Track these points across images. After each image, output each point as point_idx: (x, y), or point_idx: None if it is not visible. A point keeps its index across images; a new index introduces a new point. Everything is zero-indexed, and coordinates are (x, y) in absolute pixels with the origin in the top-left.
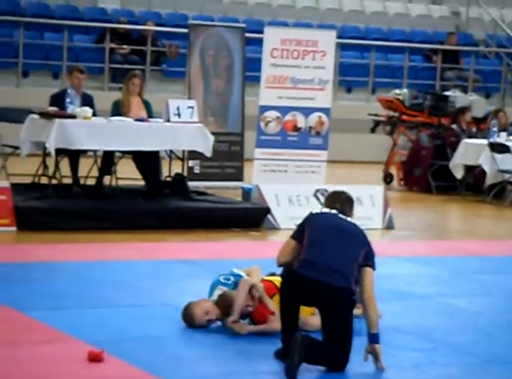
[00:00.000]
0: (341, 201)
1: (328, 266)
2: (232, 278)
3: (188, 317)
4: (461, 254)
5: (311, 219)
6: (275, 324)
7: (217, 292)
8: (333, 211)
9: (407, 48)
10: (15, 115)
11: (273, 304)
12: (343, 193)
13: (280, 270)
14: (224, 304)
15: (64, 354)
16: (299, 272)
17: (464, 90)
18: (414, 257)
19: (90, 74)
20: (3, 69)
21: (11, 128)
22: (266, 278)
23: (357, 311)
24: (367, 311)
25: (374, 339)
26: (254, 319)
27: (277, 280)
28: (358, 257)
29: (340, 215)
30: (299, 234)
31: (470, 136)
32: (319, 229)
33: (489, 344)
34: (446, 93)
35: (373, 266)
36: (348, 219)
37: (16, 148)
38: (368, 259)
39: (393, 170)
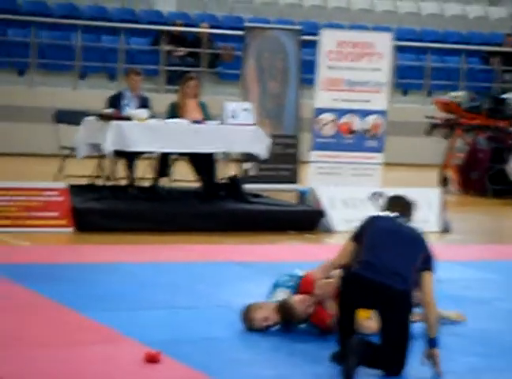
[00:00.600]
0: (401, 205)
1: (387, 268)
2: (294, 279)
3: (247, 321)
4: None
5: (371, 221)
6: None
7: (278, 293)
8: (393, 214)
9: (464, 50)
10: (72, 117)
11: (333, 305)
12: (403, 197)
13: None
14: (285, 311)
15: (121, 355)
16: (358, 273)
17: None
18: (470, 261)
19: (146, 76)
20: (61, 71)
21: (69, 130)
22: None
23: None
24: (427, 315)
25: (432, 343)
26: (312, 322)
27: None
28: (417, 260)
29: (400, 219)
30: (357, 236)
31: None
32: (379, 231)
33: None
34: (505, 96)
35: (432, 270)
36: (408, 223)
37: (74, 149)
38: (427, 263)
39: (450, 174)
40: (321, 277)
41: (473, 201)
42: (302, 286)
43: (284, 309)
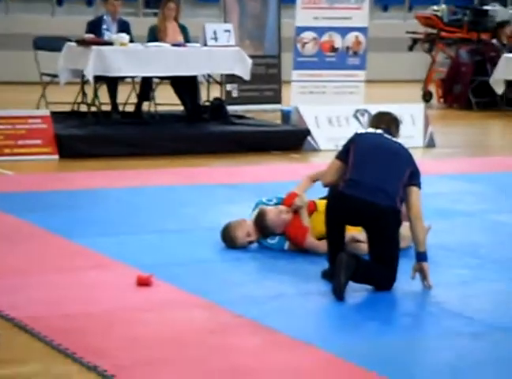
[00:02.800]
0: (387, 122)
1: (373, 185)
2: (275, 200)
3: (229, 239)
4: (504, 170)
5: (356, 139)
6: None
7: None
8: (379, 131)
9: None
10: (52, 43)
11: (309, 221)
12: (388, 113)
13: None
14: (258, 219)
15: (113, 279)
16: (344, 191)
17: (504, 3)
18: (457, 175)
19: (124, 0)
20: None
21: (49, 56)
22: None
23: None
24: (414, 230)
25: (421, 257)
26: (287, 233)
27: (320, 202)
28: (403, 176)
29: (386, 135)
30: (344, 154)
31: (510, 51)
32: (364, 149)
33: None
34: (486, 7)
35: (419, 185)
36: (394, 139)
37: (55, 76)
38: (414, 178)
39: (433, 88)
40: (304, 189)
41: (457, 115)
42: (285, 200)
43: (257, 216)
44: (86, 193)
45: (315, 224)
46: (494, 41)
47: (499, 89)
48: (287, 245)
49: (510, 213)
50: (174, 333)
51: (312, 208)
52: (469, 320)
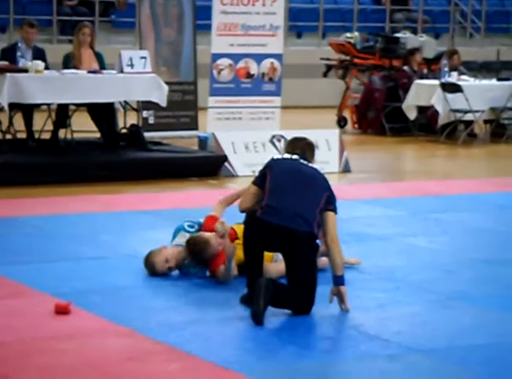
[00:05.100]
0: (302, 147)
1: (290, 211)
2: (197, 226)
3: (149, 266)
4: (418, 194)
5: (273, 164)
6: None
7: (179, 238)
8: (295, 156)
9: None
10: None
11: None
12: (304, 139)
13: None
14: (198, 243)
15: (30, 308)
16: (261, 217)
17: (414, 31)
18: (372, 199)
19: (38, 27)
20: None
21: None
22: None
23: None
24: (332, 254)
25: (338, 281)
26: (210, 265)
27: (239, 228)
28: (320, 201)
29: (301, 161)
30: (260, 179)
31: (421, 77)
32: (281, 174)
33: (450, 281)
34: (397, 35)
35: (335, 210)
36: (309, 164)
37: None
38: (330, 203)
39: (347, 114)
40: (220, 214)
41: (371, 140)
42: (204, 223)
43: (197, 244)
44: (1, 221)
45: (238, 251)
46: (405, 68)
47: (411, 115)
48: (208, 271)
49: (423, 236)
50: (93, 361)
51: (233, 236)
52: (386, 343)
